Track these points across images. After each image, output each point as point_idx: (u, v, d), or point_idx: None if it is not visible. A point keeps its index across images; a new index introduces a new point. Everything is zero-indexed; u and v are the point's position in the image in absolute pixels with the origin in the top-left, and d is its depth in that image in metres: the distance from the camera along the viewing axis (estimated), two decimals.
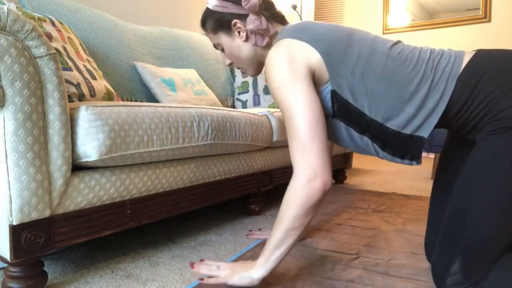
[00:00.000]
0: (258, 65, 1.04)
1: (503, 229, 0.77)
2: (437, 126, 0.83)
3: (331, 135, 0.93)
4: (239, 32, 0.97)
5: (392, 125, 0.82)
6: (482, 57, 0.79)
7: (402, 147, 0.84)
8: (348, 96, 0.83)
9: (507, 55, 0.78)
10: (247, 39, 0.97)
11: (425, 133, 0.81)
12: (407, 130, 0.82)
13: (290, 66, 0.81)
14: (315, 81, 0.85)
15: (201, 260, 0.97)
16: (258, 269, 0.84)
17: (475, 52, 0.81)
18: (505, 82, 0.75)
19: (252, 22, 0.94)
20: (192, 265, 0.91)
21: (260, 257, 0.84)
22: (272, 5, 1.00)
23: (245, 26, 0.96)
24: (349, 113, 0.85)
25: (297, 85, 0.80)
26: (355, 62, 0.83)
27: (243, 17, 0.96)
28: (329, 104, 0.87)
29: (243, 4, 0.94)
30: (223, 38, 1.00)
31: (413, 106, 0.80)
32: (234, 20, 0.96)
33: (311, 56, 0.83)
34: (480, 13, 4.04)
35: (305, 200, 0.78)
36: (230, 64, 1.06)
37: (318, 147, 0.79)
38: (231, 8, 0.96)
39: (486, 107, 0.76)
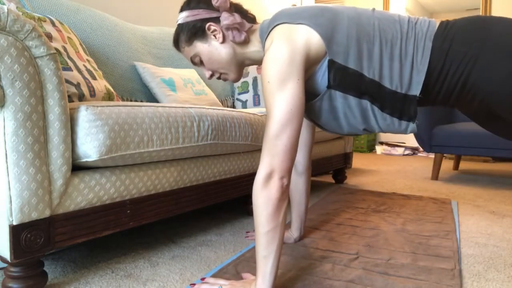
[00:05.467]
0: (239, 66, 1.03)
1: None
2: (424, 99, 0.86)
3: (323, 113, 0.94)
4: (215, 35, 0.98)
5: (389, 84, 0.86)
6: (446, 24, 0.85)
7: (399, 107, 0.88)
8: (346, 61, 0.86)
9: (468, 18, 0.85)
10: (224, 39, 0.98)
11: (416, 91, 0.85)
12: (402, 90, 0.86)
13: (288, 60, 0.82)
14: (312, 61, 0.86)
15: (203, 279, 0.93)
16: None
17: (440, 21, 0.87)
18: (474, 42, 0.80)
19: (226, 19, 0.95)
20: (193, 286, 0.90)
21: (257, 276, 0.82)
22: (241, 6, 1.02)
23: (220, 27, 0.97)
24: (347, 78, 0.87)
25: (287, 86, 0.81)
26: (347, 25, 0.86)
27: (216, 20, 0.97)
28: (325, 76, 0.88)
29: (213, 2, 0.95)
30: (200, 46, 1.00)
31: (406, 64, 0.84)
32: (208, 23, 0.97)
33: (310, 35, 0.85)
34: (480, 13, 4.05)
35: (267, 202, 0.80)
36: (211, 76, 1.05)
37: (284, 147, 0.80)
38: (203, 14, 0.97)
39: (467, 68, 0.80)
